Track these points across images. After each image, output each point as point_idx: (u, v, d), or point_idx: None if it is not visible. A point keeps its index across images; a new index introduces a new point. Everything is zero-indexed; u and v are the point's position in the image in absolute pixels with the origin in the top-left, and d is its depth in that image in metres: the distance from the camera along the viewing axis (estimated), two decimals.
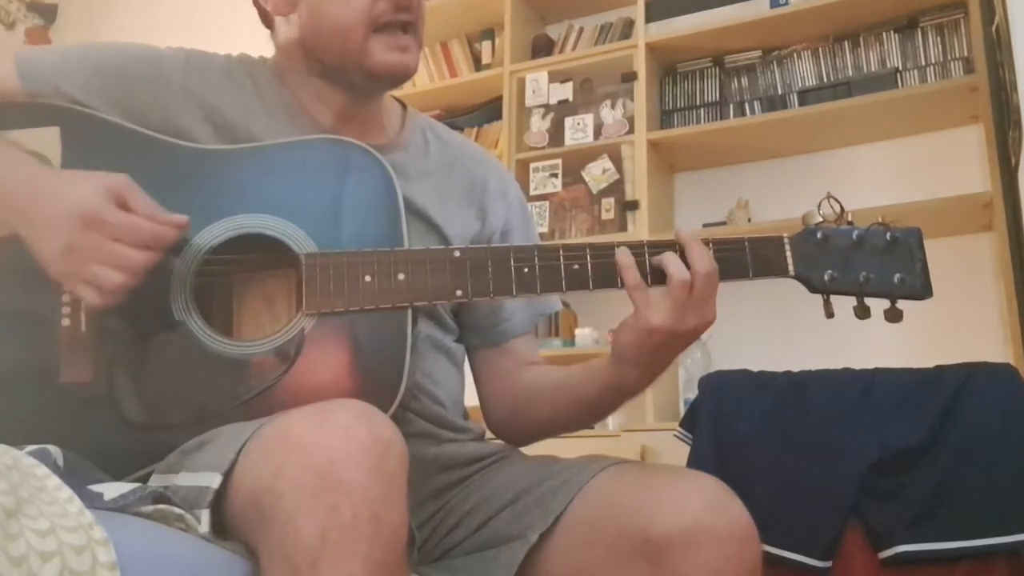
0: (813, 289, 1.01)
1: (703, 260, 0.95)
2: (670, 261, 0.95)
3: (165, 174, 1.00)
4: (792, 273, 1.01)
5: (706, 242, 0.99)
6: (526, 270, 0.98)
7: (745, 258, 1.00)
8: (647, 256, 0.98)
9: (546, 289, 0.99)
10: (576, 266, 0.98)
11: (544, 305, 1.22)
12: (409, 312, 0.96)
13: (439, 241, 1.11)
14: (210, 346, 0.95)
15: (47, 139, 0.99)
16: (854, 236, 1.01)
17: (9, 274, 0.94)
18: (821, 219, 1.03)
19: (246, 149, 1.04)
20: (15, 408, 0.94)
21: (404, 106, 1.21)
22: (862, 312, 1.01)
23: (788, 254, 1.01)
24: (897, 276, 1.00)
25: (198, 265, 0.97)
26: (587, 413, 1.11)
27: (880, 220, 1.02)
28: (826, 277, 1.00)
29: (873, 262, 1.01)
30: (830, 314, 1.02)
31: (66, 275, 0.88)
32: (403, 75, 1.09)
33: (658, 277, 0.97)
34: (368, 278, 0.96)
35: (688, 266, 0.95)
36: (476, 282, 0.98)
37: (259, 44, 1.18)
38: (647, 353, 0.98)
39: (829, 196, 1.03)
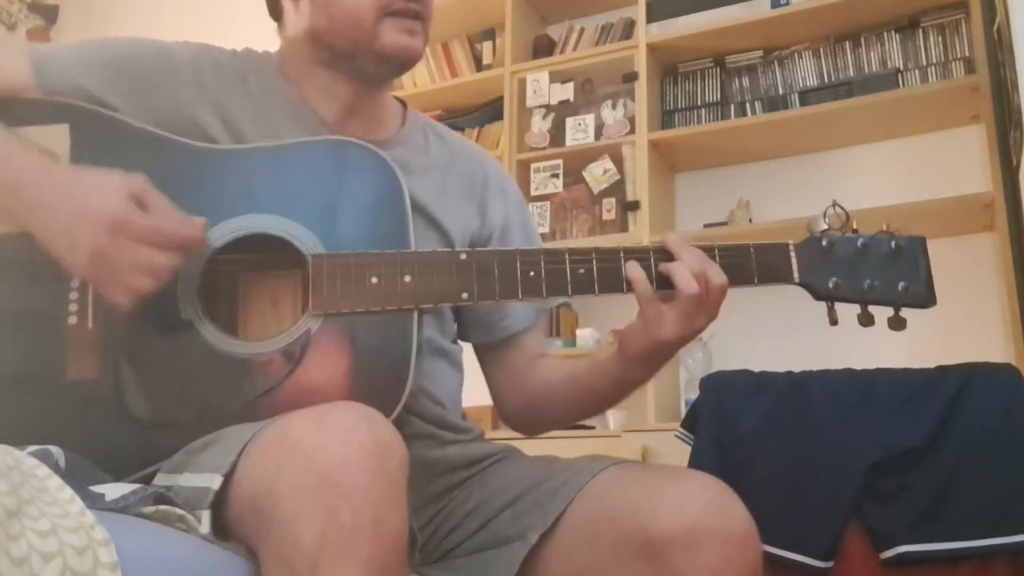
0: (818, 296, 1.02)
1: (716, 274, 0.97)
2: (678, 272, 0.96)
3: (173, 173, 1.00)
4: (797, 280, 1.01)
5: (709, 249, 1.00)
6: (532, 274, 0.98)
7: (751, 265, 1.01)
8: (652, 264, 0.99)
9: (552, 293, 0.99)
10: (582, 270, 0.99)
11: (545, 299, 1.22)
12: (415, 315, 0.97)
13: (440, 237, 1.11)
14: (216, 346, 0.95)
15: (56, 136, 0.99)
16: (859, 244, 1.01)
17: (16, 270, 0.94)
18: (826, 226, 1.03)
19: (254, 149, 1.04)
20: (21, 404, 0.94)
21: (405, 105, 1.22)
22: (866, 320, 1.01)
23: (793, 261, 1.02)
24: (901, 284, 1.00)
25: (205, 265, 0.97)
26: (597, 404, 1.15)
27: (885, 227, 1.03)
28: (831, 284, 1.01)
29: (877, 270, 1.01)
30: (834, 321, 1.02)
31: (96, 279, 0.89)
32: (411, 59, 1.09)
33: (663, 282, 0.98)
34: (375, 280, 0.96)
35: (696, 276, 0.96)
36: (482, 285, 0.98)
37: (261, 44, 1.19)
38: (656, 356, 1.01)
39: (835, 204, 1.03)
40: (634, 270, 0.97)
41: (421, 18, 1.08)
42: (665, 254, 0.99)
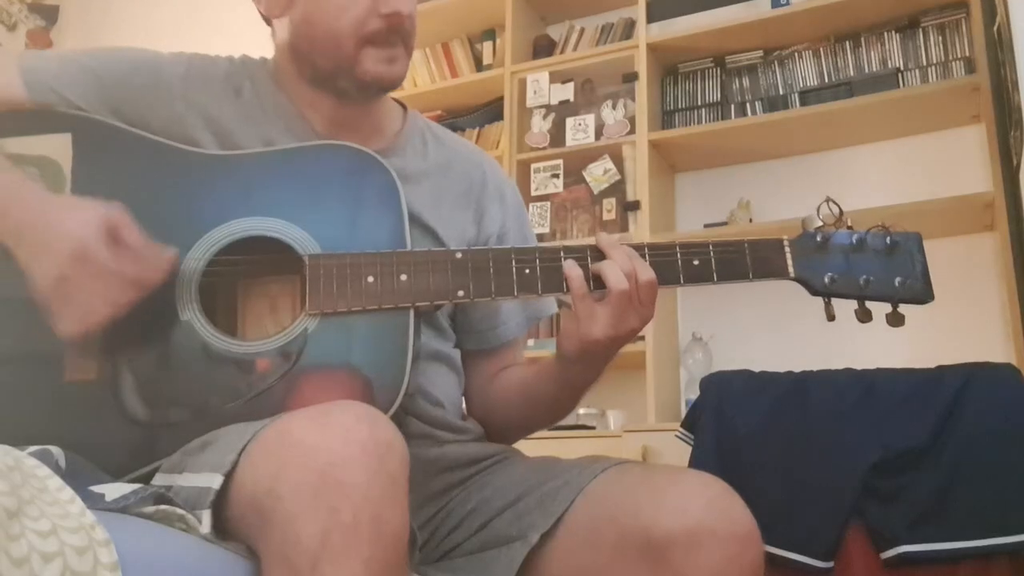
0: (814, 291, 1.02)
1: (644, 270, 0.97)
2: (609, 271, 0.97)
3: (174, 179, 1.02)
4: (792, 275, 1.02)
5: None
6: (527, 271, 0.99)
7: (745, 259, 1.01)
8: (589, 263, 0.99)
9: (547, 290, 0.99)
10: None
11: (540, 308, 1.23)
12: (411, 314, 0.97)
13: (435, 245, 1.12)
14: (214, 345, 0.95)
15: (59, 145, 1.00)
16: (854, 239, 1.02)
17: (12, 272, 0.94)
18: (821, 223, 1.03)
19: (253, 154, 1.05)
20: (19, 405, 0.94)
21: (404, 108, 1.22)
22: (864, 316, 1.01)
23: (788, 256, 1.02)
24: (898, 279, 1.00)
25: (204, 266, 0.98)
26: (547, 410, 1.15)
27: (880, 224, 1.03)
28: (826, 279, 1.01)
29: (873, 265, 1.01)
30: (831, 317, 1.02)
31: (53, 301, 0.89)
32: (391, 85, 1.10)
33: (600, 282, 0.98)
34: (371, 279, 0.96)
35: (626, 274, 0.96)
36: (478, 282, 0.98)
37: (258, 45, 1.19)
38: (589, 356, 1.01)
39: (828, 200, 1.04)
40: (570, 267, 0.98)
41: (403, 40, 1.08)
42: (600, 254, 0.99)
